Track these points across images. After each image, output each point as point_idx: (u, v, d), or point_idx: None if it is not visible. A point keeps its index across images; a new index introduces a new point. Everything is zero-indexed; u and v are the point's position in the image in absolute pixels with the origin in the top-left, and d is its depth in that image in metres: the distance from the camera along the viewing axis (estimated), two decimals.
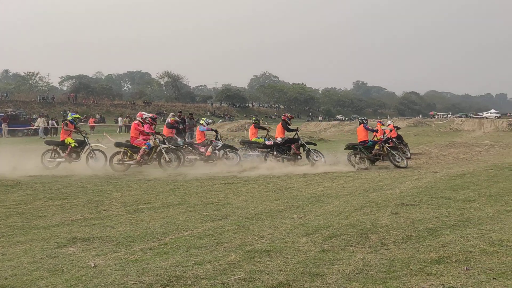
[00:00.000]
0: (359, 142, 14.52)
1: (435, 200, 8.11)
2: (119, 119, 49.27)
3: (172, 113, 22.34)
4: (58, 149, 14.14)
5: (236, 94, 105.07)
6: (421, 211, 7.20)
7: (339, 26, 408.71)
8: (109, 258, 4.97)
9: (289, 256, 4.91)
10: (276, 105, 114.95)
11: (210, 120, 21.44)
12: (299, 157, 14.86)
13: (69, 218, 7.13)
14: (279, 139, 14.92)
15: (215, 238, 5.71)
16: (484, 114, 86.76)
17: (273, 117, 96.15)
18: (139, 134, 13.77)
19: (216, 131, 15.77)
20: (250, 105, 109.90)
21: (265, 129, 16.94)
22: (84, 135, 14.40)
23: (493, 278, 4.21)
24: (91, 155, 14.00)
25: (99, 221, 6.90)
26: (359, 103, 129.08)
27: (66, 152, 13.88)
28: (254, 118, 17.87)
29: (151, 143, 13.49)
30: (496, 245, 5.26)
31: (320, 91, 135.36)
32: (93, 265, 4.69)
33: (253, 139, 16.02)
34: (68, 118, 14.49)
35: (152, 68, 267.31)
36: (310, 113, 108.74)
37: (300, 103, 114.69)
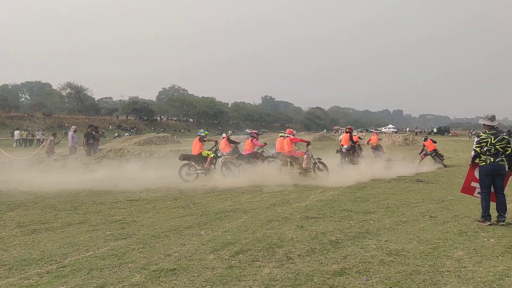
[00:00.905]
0: (433, 150, 20.14)
1: (338, 213, 8.46)
2: (16, 132, 45.95)
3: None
4: (193, 162, 14.87)
5: (143, 107, 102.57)
6: (325, 224, 7.47)
7: (255, 52, 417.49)
8: (0, 284, 4.58)
9: (195, 274, 4.84)
10: (185, 118, 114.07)
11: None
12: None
13: None
14: (345, 147, 18.70)
15: (118, 258, 5.49)
16: (383, 129, 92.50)
17: (182, 130, 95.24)
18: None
19: (309, 142, 16.61)
20: (159, 118, 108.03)
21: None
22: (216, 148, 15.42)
23: (390, 287, 4.45)
24: (225, 166, 14.97)
25: None
26: (268, 117, 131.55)
27: (207, 163, 14.71)
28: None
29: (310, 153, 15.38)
30: (393, 255, 5.58)
31: (229, 105, 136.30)
32: None
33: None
34: (202, 134, 15.33)
35: (53, 79, 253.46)
36: (219, 127, 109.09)
37: (210, 116, 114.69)
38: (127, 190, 12.21)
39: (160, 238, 6.59)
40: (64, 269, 5.06)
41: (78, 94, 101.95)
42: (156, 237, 6.65)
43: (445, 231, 6.90)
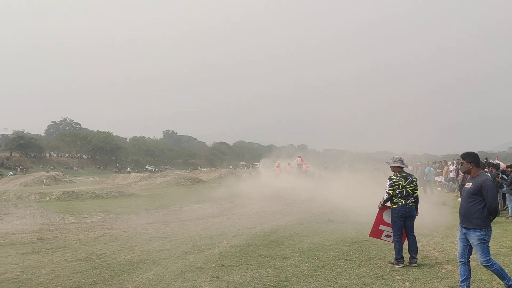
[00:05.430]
0: None
1: (253, 259, 8.15)
2: None
3: None
4: None
5: (30, 143, 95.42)
6: (242, 273, 7.12)
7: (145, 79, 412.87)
8: None
9: None
10: (79, 154, 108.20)
11: None
12: None
13: None
14: None
15: None
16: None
17: (75, 168, 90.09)
18: None
19: None
20: (48, 154, 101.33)
21: None
22: None
23: None
24: None
25: None
26: (170, 152, 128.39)
27: None
28: None
29: None
30: None
31: (128, 140, 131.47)
32: None
33: None
34: None
35: None
36: (117, 164, 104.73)
37: (106, 152, 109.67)
38: (18, 241, 10.93)
39: None
40: None
41: None
42: None
43: (362, 276, 6.88)
